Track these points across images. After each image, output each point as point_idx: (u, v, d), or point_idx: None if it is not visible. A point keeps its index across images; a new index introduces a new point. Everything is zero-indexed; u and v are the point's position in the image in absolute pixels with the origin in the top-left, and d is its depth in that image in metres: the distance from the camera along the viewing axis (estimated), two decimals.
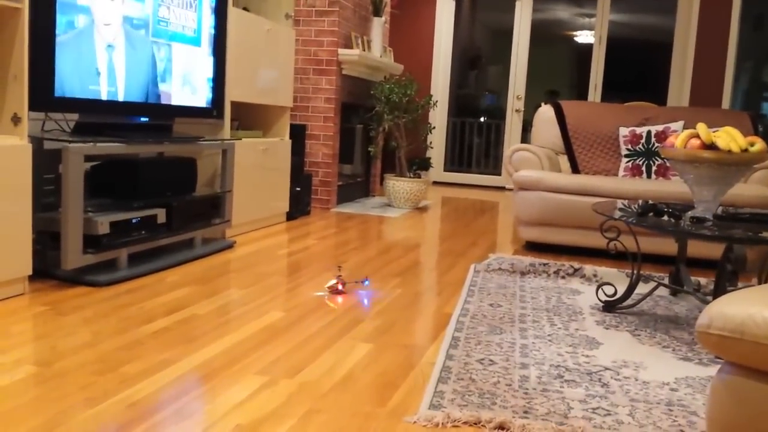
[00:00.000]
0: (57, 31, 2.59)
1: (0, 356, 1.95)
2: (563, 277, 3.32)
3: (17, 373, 1.84)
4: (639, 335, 2.47)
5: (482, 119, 8.30)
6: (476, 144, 8.27)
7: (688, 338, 2.46)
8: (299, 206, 4.84)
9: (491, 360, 2.11)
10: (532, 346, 2.27)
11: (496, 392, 1.85)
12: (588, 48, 7.49)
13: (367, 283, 3.03)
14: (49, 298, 2.54)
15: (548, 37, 7.88)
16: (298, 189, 4.79)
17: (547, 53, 7.93)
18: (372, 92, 5.71)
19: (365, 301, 2.72)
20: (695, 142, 2.49)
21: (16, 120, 2.47)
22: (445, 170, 8.04)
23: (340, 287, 2.86)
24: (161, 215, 3.14)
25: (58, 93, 2.63)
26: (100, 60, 2.82)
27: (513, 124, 7.77)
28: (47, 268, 2.77)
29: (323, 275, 3.15)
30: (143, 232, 3.03)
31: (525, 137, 7.75)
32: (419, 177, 5.77)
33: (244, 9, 4.37)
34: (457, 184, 7.95)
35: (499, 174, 7.92)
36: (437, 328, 2.47)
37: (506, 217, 5.49)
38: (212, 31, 3.56)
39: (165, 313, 2.44)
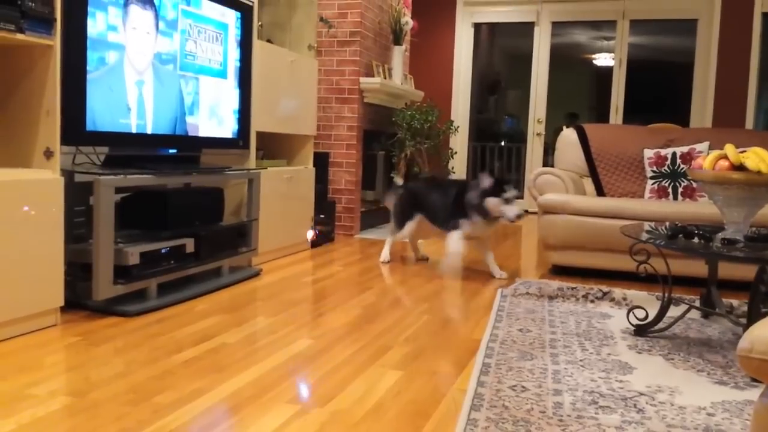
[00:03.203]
0: (88, 68, 2.65)
1: (34, 388, 1.97)
2: (592, 301, 3.28)
3: (52, 405, 1.85)
4: (672, 359, 2.43)
5: (503, 143, 8.30)
6: (497, 168, 8.27)
7: (723, 361, 2.42)
8: (323, 233, 4.86)
9: (523, 386, 2.09)
10: (565, 371, 2.25)
11: (530, 419, 1.83)
12: (608, 70, 7.49)
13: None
14: (81, 328, 2.57)
15: (567, 61, 7.90)
16: (322, 216, 4.81)
17: (567, 76, 7.95)
18: (393, 119, 5.75)
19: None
20: (724, 163, 2.47)
21: (48, 154, 2.52)
22: None
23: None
24: (190, 245, 3.17)
25: (89, 127, 2.68)
26: (129, 95, 2.87)
27: (534, 147, 7.76)
28: (78, 299, 2.80)
29: (350, 302, 3.15)
30: (172, 261, 3.06)
31: (546, 160, 7.74)
32: None
33: (268, 41, 4.44)
34: None
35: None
36: (467, 354, 2.45)
37: (530, 241, 5.46)
38: (238, 64, 3.62)
39: (195, 343, 2.45)
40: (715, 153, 2.54)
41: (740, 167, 2.46)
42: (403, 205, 4.21)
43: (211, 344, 2.44)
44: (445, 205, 3.95)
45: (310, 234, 3.05)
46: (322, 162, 5.00)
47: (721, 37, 6.90)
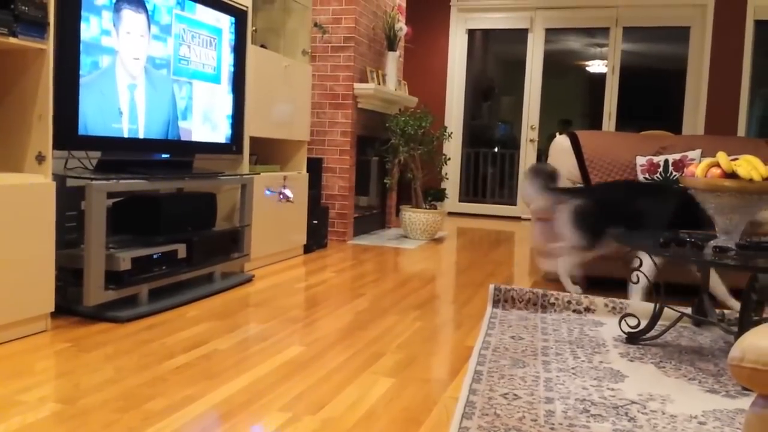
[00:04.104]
0: (81, 72, 2.64)
1: (24, 394, 1.96)
2: (580, 304, 3.27)
3: (41, 411, 1.84)
4: (664, 367, 2.44)
5: (496, 149, 8.32)
6: (490, 174, 8.28)
7: (714, 370, 2.43)
8: (316, 239, 4.85)
9: (515, 394, 2.09)
10: (557, 379, 2.25)
11: (522, 428, 1.83)
12: (601, 77, 7.52)
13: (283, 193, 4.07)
14: (72, 334, 2.55)
15: (561, 67, 7.93)
16: (315, 222, 4.81)
17: (560, 83, 7.97)
18: (387, 125, 5.75)
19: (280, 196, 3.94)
20: (716, 171, 2.48)
21: (40, 159, 2.51)
22: (460, 201, 8.05)
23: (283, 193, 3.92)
24: (182, 250, 3.15)
25: (81, 132, 2.67)
26: (122, 99, 2.87)
27: (527, 153, 7.78)
28: (69, 304, 2.78)
29: (342, 308, 3.15)
30: (164, 267, 3.05)
31: None
32: (435, 208, 5.77)
33: (262, 46, 4.44)
34: (473, 215, 7.95)
35: (514, 204, 7.90)
36: (459, 361, 2.45)
37: (523, 248, 5.47)
38: (231, 69, 3.62)
39: (186, 349, 2.44)
40: (708, 161, 2.55)
41: (732, 175, 2.47)
42: (593, 218, 3.51)
43: (203, 351, 2.43)
44: (664, 222, 3.29)
45: (287, 192, 3.18)
46: (315, 167, 4.99)
47: (714, 45, 6.94)
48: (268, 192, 3.27)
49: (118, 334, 2.59)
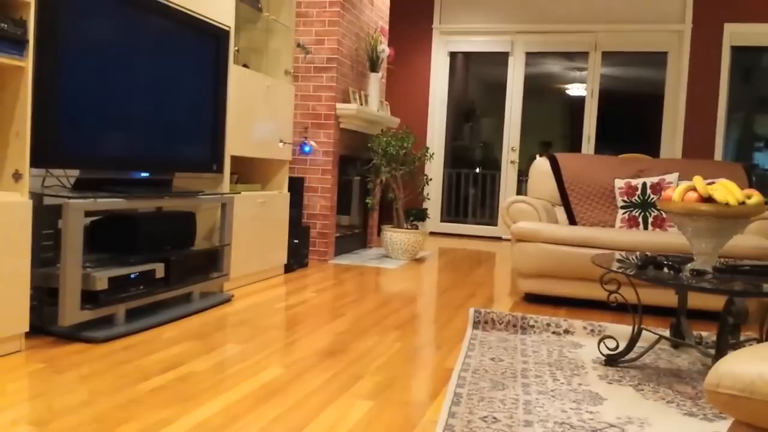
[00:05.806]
0: (60, 89, 2.62)
1: None
2: (563, 328, 3.29)
3: None
4: (642, 390, 2.44)
5: (477, 170, 8.36)
6: (472, 195, 8.31)
7: (692, 392, 2.44)
8: (297, 258, 4.83)
9: (495, 417, 2.08)
10: (536, 402, 2.24)
11: None
12: (580, 100, 7.61)
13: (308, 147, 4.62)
14: (46, 355, 2.51)
15: (541, 90, 8.01)
16: (296, 241, 4.79)
17: (540, 105, 8.05)
18: (369, 145, 5.76)
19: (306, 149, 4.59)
20: (692, 195, 2.51)
21: (17, 176, 2.48)
22: (441, 221, 8.07)
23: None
24: (160, 270, 3.12)
25: (59, 150, 2.64)
26: (102, 117, 2.84)
27: (508, 175, 7.83)
28: (44, 324, 2.74)
29: (322, 329, 3.13)
30: (141, 287, 3.01)
31: (520, 188, 7.80)
32: (416, 228, 5.78)
33: (245, 66, 4.44)
34: (454, 235, 7.96)
35: (495, 224, 7.94)
36: (438, 383, 2.44)
37: (503, 268, 5.48)
38: (213, 88, 3.61)
39: (162, 371, 2.41)
40: (684, 185, 2.58)
41: (709, 199, 2.50)
42: None
43: (179, 372, 2.40)
44: None
45: (311, 143, 3.56)
46: (297, 187, 4.99)
47: (691, 70, 7.05)
48: (308, 148, 3.70)
49: (93, 354, 2.55)
